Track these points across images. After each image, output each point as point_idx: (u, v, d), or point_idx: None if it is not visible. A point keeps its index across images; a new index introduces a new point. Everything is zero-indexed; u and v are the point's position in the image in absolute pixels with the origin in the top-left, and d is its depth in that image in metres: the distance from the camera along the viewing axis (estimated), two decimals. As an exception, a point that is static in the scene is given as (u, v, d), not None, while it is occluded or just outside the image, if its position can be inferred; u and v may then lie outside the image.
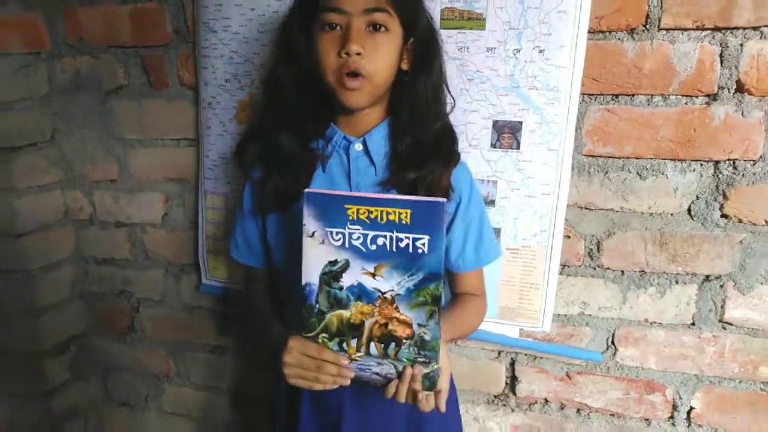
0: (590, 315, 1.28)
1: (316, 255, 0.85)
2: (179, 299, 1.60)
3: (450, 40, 1.17)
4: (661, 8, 1.09)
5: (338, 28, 0.95)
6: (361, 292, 0.85)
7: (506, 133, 1.19)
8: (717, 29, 1.07)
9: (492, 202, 1.23)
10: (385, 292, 0.84)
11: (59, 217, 1.62)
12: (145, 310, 1.65)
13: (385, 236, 0.82)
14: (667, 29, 1.10)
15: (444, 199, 0.81)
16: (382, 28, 0.96)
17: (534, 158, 1.19)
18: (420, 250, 0.81)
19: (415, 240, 0.81)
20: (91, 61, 1.48)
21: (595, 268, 1.26)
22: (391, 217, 0.81)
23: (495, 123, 1.19)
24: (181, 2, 1.36)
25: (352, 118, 1.05)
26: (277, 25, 1.25)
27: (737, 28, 1.06)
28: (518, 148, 1.19)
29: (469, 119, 1.20)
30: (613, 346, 1.29)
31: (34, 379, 1.62)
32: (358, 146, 1.05)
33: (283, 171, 1.05)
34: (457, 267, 1.12)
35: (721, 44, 1.08)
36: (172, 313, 1.62)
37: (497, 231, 1.24)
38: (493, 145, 1.21)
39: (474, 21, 1.16)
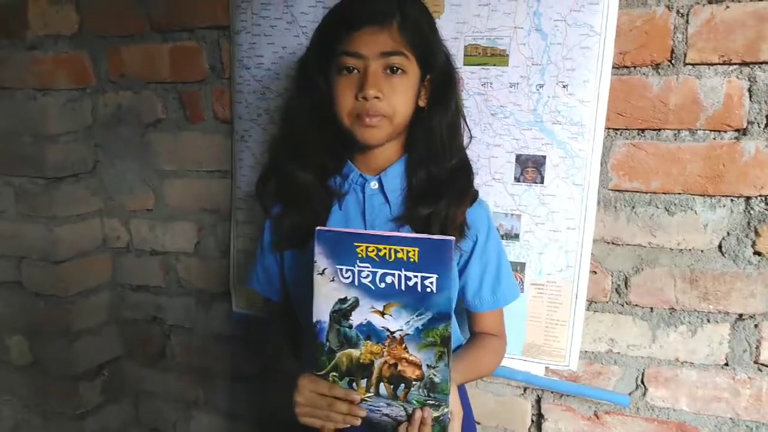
0: (618, 353, 1.25)
1: (327, 292, 0.85)
2: (209, 327, 1.63)
3: (473, 76, 1.19)
4: (686, 43, 1.08)
5: (355, 71, 0.96)
6: (370, 331, 0.84)
7: (530, 167, 1.19)
8: (744, 64, 1.06)
9: (516, 236, 1.23)
10: (394, 332, 0.83)
11: (97, 244, 1.68)
12: (176, 337, 1.68)
13: (393, 274, 0.81)
14: (693, 64, 1.09)
15: (452, 238, 0.80)
16: (399, 71, 0.96)
17: (558, 192, 1.18)
18: (428, 289, 0.80)
19: (423, 279, 0.80)
20: (132, 96, 1.55)
21: (623, 305, 1.23)
22: (399, 255, 0.81)
23: (518, 157, 1.20)
24: (217, 41, 1.42)
25: (368, 155, 1.04)
26: (306, 61, 1.29)
27: (766, 63, 1.05)
28: (542, 182, 1.19)
29: (493, 153, 1.21)
30: (642, 386, 1.25)
31: (69, 400, 1.67)
32: (374, 184, 1.05)
33: (300, 208, 1.05)
34: (474, 307, 1.09)
35: (749, 78, 1.06)
36: (201, 341, 1.65)
37: (522, 265, 1.23)
38: (517, 179, 1.21)
39: (497, 57, 1.17)
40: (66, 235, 1.58)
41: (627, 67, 1.13)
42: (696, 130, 1.11)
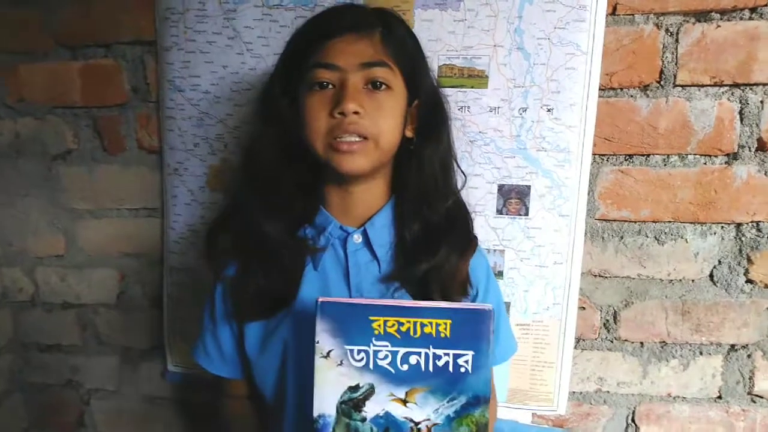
0: (608, 392, 1.18)
1: (333, 379, 0.70)
2: (138, 389, 1.40)
3: (449, 99, 1.03)
4: (676, 64, 1.02)
5: (330, 86, 0.80)
6: (389, 424, 0.71)
7: (513, 199, 1.09)
8: (736, 85, 1.01)
9: (500, 274, 1.12)
10: (419, 423, 0.70)
11: (-6, 299, 1.40)
12: (97, 403, 1.44)
13: (419, 353, 0.69)
14: (683, 86, 1.03)
15: (491, 307, 0.69)
16: (383, 86, 0.81)
17: (544, 225, 1.09)
18: (462, 369, 0.69)
19: (456, 357, 0.69)
20: (34, 123, 1.30)
21: (612, 341, 1.15)
22: (426, 330, 0.69)
23: (500, 188, 1.09)
24: (141, 58, 1.21)
25: (347, 197, 0.87)
26: (253, 83, 1.12)
27: (757, 84, 1.01)
28: (527, 214, 1.09)
29: (472, 184, 1.09)
30: (633, 425, 1.18)
31: (-36, 492, 1.38)
32: (357, 237, 0.87)
33: (268, 266, 0.86)
34: None
35: (740, 101, 1.02)
36: (129, 406, 1.41)
37: (506, 305, 1.12)
38: (499, 212, 1.10)
39: (475, 78, 1.06)
40: (-47, 291, 1.30)
41: (614, 89, 1.06)
42: (686, 155, 1.05)
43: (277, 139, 0.87)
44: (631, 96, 1.05)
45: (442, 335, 0.68)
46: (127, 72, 1.23)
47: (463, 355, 0.68)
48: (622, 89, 1.05)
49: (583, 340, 1.16)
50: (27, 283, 1.41)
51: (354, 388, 0.70)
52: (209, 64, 1.15)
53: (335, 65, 0.79)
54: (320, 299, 0.70)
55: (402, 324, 0.68)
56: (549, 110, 1.05)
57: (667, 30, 1.02)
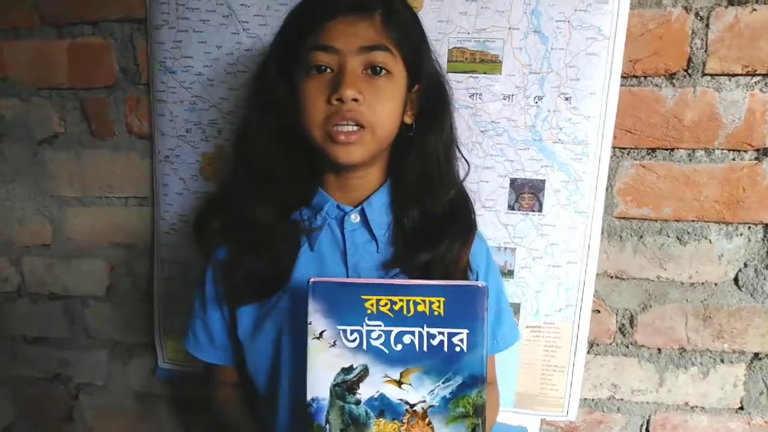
0: (622, 399, 1.11)
1: (326, 361, 0.69)
2: (128, 385, 1.34)
3: (459, 86, 1.00)
4: (705, 51, 0.94)
5: (328, 70, 0.76)
6: (383, 406, 0.69)
7: (526, 193, 1.02)
8: (770, 75, 0.93)
9: (510, 273, 1.05)
10: (414, 405, 0.69)
11: (-22, 289, 1.34)
12: (86, 398, 1.38)
13: (412, 333, 0.69)
14: (712, 75, 0.95)
15: (485, 284, 0.68)
16: (383, 71, 0.77)
17: (559, 222, 1.02)
18: (457, 348, 0.68)
19: (450, 336, 0.68)
20: (19, 105, 1.23)
21: (627, 346, 1.09)
22: (420, 308, 0.68)
23: (513, 181, 1.02)
24: (130, 37, 1.14)
25: (344, 180, 0.84)
26: (249, 65, 1.05)
27: (794, 74, 0.92)
28: (540, 210, 1.02)
29: (483, 177, 1.03)
30: (647, 434, 1.12)
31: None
32: (355, 217, 0.84)
33: (259, 250, 0.83)
34: None
35: (775, 92, 0.94)
36: (118, 402, 1.36)
37: (516, 306, 1.06)
38: (511, 207, 1.03)
39: (488, 64, 0.99)
40: (-66, 281, 1.24)
41: (637, 77, 0.98)
42: (714, 149, 0.98)
43: (271, 123, 0.84)
44: (656, 85, 0.98)
45: (436, 313, 0.68)
46: (116, 51, 1.15)
47: (458, 333, 0.68)
48: (646, 77, 0.98)
49: (597, 344, 1.10)
50: (12, 273, 1.35)
51: (347, 370, 0.69)
52: (202, 44, 1.08)
53: (334, 48, 0.75)
54: (312, 279, 0.69)
55: (395, 303, 0.68)
56: (567, 99, 0.98)
57: (696, 14, 0.94)
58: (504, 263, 1.05)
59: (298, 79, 0.79)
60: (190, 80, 1.10)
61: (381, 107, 0.77)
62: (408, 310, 0.68)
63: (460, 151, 0.90)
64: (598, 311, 1.07)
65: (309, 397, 0.69)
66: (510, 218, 1.03)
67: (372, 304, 0.69)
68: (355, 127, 0.76)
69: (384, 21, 0.77)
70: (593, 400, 1.12)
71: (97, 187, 1.24)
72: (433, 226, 0.84)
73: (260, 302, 0.84)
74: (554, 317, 1.06)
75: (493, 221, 1.04)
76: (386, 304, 0.68)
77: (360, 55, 0.76)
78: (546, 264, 1.04)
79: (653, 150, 1.00)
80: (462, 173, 0.91)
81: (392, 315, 0.69)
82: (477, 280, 0.89)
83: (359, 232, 0.85)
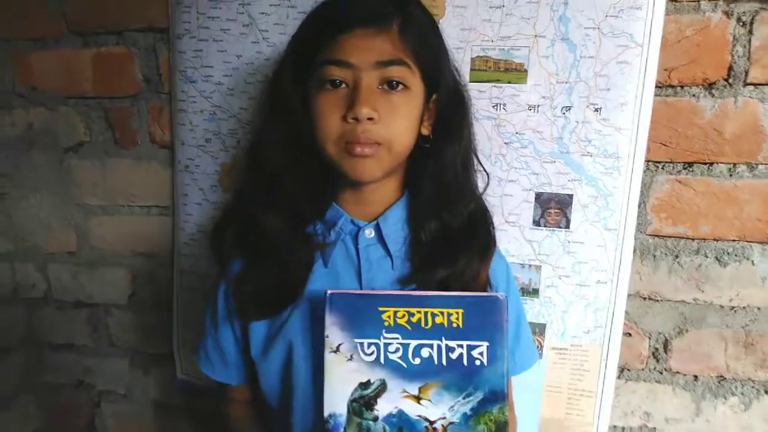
0: (655, 428, 1.05)
1: (343, 375, 0.68)
2: (147, 395, 1.34)
3: (483, 95, 0.96)
4: (748, 59, 0.88)
5: (343, 85, 0.73)
6: (402, 423, 0.67)
7: (552, 208, 0.97)
8: (820, 85, 0.86)
9: (535, 292, 1.00)
10: (434, 422, 0.67)
11: (7, 294, 1.36)
12: (108, 406, 1.39)
13: (431, 346, 0.67)
14: (755, 84, 0.89)
15: (504, 295, 0.67)
16: (400, 86, 0.74)
17: (587, 239, 0.97)
18: (477, 362, 0.66)
19: (470, 349, 0.67)
20: (47, 114, 1.25)
21: (661, 372, 1.02)
22: (438, 320, 0.67)
23: (538, 196, 0.97)
24: (153, 46, 1.14)
25: (359, 194, 0.81)
26: (268, 74, 1.03)
27: None
28: (567, 226, 0.97)
29: (506, 191, 0.98)
30: (682, 467, 1.04)
31: (-28, 491, 1.35)
32: (369, 232, 0.81)
33: (271, 264, 0.81)
34: None
35: (825, 103, 0.87)
36: (139, 411, 1.36)
37: (541, 327, 1.01)
38: (536, 223, 0.98)
39: (513, 73, 0.94)
40: (-37, 285, 1.27)
41: (673, 87, 0.92)
42: (757, 164, 0.92)
43: (285, 134, 0.81)
44: (694, 95, 0.92)
45: (455, 325, 0.67)
46: (139, 61, 1.16)
47: (478, 346, 0.66)
48: (682, 87, 0.92)
49: (628, 369, 1.04)
50: (39, 280, 1.36)
51: (365, 385, 0.67)
52: (222, 53, 1.07)
53: (348, 63, 0.72)
54: (329, 291, 0.69)
55: (412, 315, 0.67)
56: (596, 110, 0.92)
57: (738, 19, 0.88)
58: (528, 281, 1.00)
59: (312, 92, 0.76)
60: (210, 90, 1.09)
61: (397, 123, 0.74)
62: (426, 322, 0.67)
63: (479, 161, 0.86)
64: (630, 334, 1.02)
65: (326, 413, 0.67)
66: (535, 234, 0.98)
67: (389, 316, 0.67)
68: (372, 145, 0.73)
69: (401, 32, 0.73)
70: (623, 428, 1.06)
71: (120, 195, 1.24)
72: (451, 241, 0.80)
73: (271, 318, 0.81)
74: (582, 339, 1.00)
75: (517, 237, 0.99)
76: (404, 315, 0.67)
77: (376, 70, 0.72)
78: (573, 283, 0.99)
79: (690, 164, 0.94)
80: (481, 185, 0.87)
81: (410, 327, 0.67)
82: None
83: (374, 248, 0.81)
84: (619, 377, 1.04)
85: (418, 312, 0.67)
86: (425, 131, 0.81)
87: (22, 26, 1.20)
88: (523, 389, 0.94)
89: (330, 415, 0.67)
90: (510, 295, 0.85)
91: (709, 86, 0.91)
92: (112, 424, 1.39)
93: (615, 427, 1.06)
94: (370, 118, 0.71)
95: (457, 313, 0.67)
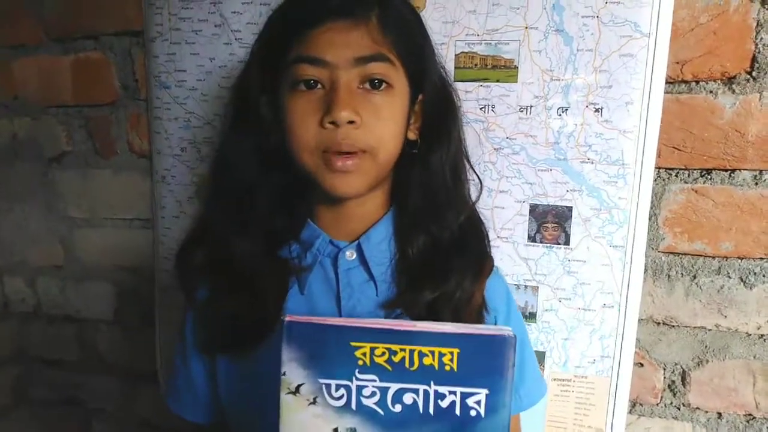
0: (672, 471, 0.92)
1: (304, 422, 0.55)
2: (136, 414, 1.28)
3: (469, 96, 0.86)
4: (775, 47, 0.75)
5: (318, 86, 0.65)
6: None
7: (549, 223, 0.87)
8: None
9: (532, 316, 0.89)
10: None
11: (-3, 309, 1.33)
12: (99, 424, 1.34)
13: (416, 391, 0.55)
14: (784, 77, 0.76)
15: (512, 333, 0.54)
16: (383, 84, 0.65)
17: (590, 257, 0.86)
18: (473, 412, 0.54)
19: (464, 396, 0.54)
20: (30, 124, 1.21)
21: (679, 408, 0.91)
22: (426, 361, 0.54)
23: (534, 208, 0.87)
24: (128, 50, 1.08)
25: (339, 211, 0.73)
26: (241, 78, 0.96)
27: None
28: (567, 242, 0.86)
29: (498, 202, 0.88)
30: None
31: None
32: (350, 254, 0.72)
33: (241, 291, 0.72)
34: None
35: None
36: (129, 430, 1.30)
37: (540, 355, 0.90)
38: (532, 239, 0.88)
39: (502, 70, 0.84)
40: (-49, 301, 1.24)
41: (687, 83, 0.81)
42: (787, 171, 0.78)
43: (252, 144, 0.72)
44: (711, 92, 0.80)
45: (447, 368, 0.54)
46: (115, 66, 1.10)
47: (475, 394, 0.53)
48: (697, 83, 0.81)
49: (641, 404, 0.92)
50: (29, 294, 1.33)
51: None
52: (195, 56, 1.00)
53: (323, 60, 0.64)
54: (287, 318, 0.55)
55: (394, 353, 0.54)
56: (597, 110, 0.82)
57: (763, 2, 0.75)
58: (525, 304, 0.89)
59: (283, 95, 0.67)
60: (183, 95, 1.02)
61: (382, 127, 0.66)
62: (411, 363, 0.55)
63: (472, 167, 0.77)
64: (642, 365, 0.90)
65: None
66: (530, 251, 0.88)
67: (364, 353, 0.55)
68: (354, 157, 0.65)
69: (381, 25, 0.65)
70: (637, 469, 0.94)
71: (102, 208, 1.20)
72: (440, 256, 0.71)
73: (241, 353, 0.72)
74: (587, 370, 0.89)
75: (511, 254, 0.89)
76: (383, 353, 0.55)
77: (355, 67, 0.64)
78: (575, 307, 0.88)
79: (708, 171, 0.82)
80: (474, 194, 0.77)
81: (390, 368, 0.55)
82: (496, 324, 0.75)
83: (355, 271, 0.73)
84: (630, 412, 0.92)
85: (402, 350, 0.55)
86: (412, 136, 0.72)
87: (2, 33, 1.16)
88: (522, 422, 0.84)
89: None
90: (511, 322, 0.77)
91: (729, 81, 0.79)
92: (103, 443, 1.35)
93: (627, 467, 0.94)
94: (350, 122, 0.63)
95: (452, 353, 0.55)
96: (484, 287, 0.73)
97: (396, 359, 0.55)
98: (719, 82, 0.80)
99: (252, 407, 0.72)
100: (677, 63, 0.80)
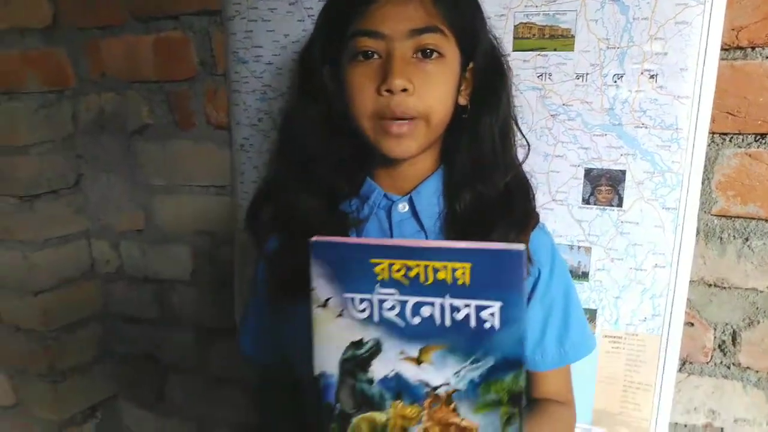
0: (721, 428, 0.96)
1: (333, 333, 0.60)
2: (210, 368, 1.39)
3: (527, 65, 0.90)
4: (833, 12, 0.77)
5: (375, 56, 0.71)
6: (400, 387, 0.59)
7: (603, 185, 0.90)
8: None
9: (585, 275, 0.93)
10: (436, 387, 0.58)
11: (85, 270, 1.46)
12: (175, 377, 1.45)
13: (432, 304, 0.57)
14: (842, 42, 0.78)
15: (522, 247, 0.54)
16: (435, 54, 0.71)
17: (643, 219, 0.89)
18: (487, 325, 0.55)
19: (479, 309, 0.55)
20: (116, 98, 1.32)
21: (729, 367, 0.93)
22: (441, 276, 0.56)
23: (588, 172, 0.91)
24: (207, 29, 1.17)
25: (394, 170, 0.79)
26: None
27: None
28: (620, 204, 0.90)
29: (553, 167, 0.92)
30: (754, 473, 0.95)
31: (54, 451, 1.46)
32: (403, 206, 0.79)
33: (304, 245, 0.79)
34: (535, 364, 0.82)
35: None
36: (203, 383, 1.41)
37: (592, 313, 0.94)
38: (586, 201, 0.92)
39: (559, 39, 0.88)
40: (45, 261, 1.36)
41: (742, 49, 0.84)
42: (842, 134, 0.80)
43: (317, 109, 0.80)
44: (766, 57, 0.82)
45: (460, 282, 0.55)
46: (194, 44, 1.19)
47: (488, 307, 0.55)
48: (753, 48, 0.83)
49: (691, 362, 0.95)
50: (113, 256, 1.45)
51: (357, 344, 0.59)
52: (271, 33, 1.07)
53: (380, 33, 0.70)
54: (313, 240, 0.60)
55: (410, 268, 0.56)
56: (652, 77, 0.85)
57: (821, -33, 0.77)
58: (578, 264, 0.93)
59: (344, 66, 0.74)
60: (260, 70, 1.10)
61: (433, 94, 0.71)
62: (426, 278, 0.57)
63: (519, 129, 0.82)
64: (692, 324, 0.93)
65: (316, 372, 0.61)
66: (584, 213, 0.92)
67: (383, 269, 0.58)
68: (408, 121, 0.71)
69: None
70: (686, 425, 0.98)
71: (180, 176, 1.29)
72: (487, 211, 0.76)
73: (306, 297, 0.80)
74: (638, 328, 0.93)
75: (565, 216, 0.93)
76: (400, 269, 0.57)
77: (409, 38, 0.70)
78: (627, 267, 0.91)
79: (762, 136, 0.85)
80: (522, 156, 0.82)
81: (407, 282, 0.57)
82: (540, 277, 0.80)
83: (408, 222, 0.79)
84: (680, 371, 0.95)
85: (417, 265, 0.57)
86: (463, 101, 0.77)
87: (92, 15, 1.27)
88: (575, 376, 0.88)
89: (321, 374, 0.61)
90: (554, 276, 0.82)
91: (786, 47, 0.81)
92: (178, 395, 1.46)
93: (676, 424, 0.98)
94: (404, 90, 0.69)
95: (464, 267, 0.56)
96: (528, 240, 0.78)
97: (411, 274, 0.57)
98: (775, 47, 0.82)
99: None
100: (733, 30, 0.82)
